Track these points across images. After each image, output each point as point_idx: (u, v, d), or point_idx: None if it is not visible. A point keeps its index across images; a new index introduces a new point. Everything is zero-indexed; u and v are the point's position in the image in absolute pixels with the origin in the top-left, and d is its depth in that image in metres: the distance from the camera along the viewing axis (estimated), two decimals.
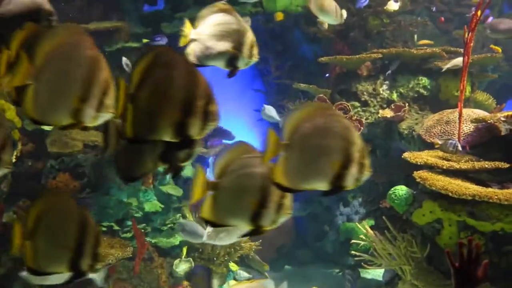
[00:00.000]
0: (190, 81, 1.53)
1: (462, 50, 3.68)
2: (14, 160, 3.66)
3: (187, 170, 4.20)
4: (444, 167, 3.09)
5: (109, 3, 4.60)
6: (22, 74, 1.47)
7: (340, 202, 5.31)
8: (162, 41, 4.45)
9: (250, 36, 1.92)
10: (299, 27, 5.30)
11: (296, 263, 5.38)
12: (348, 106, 4.38)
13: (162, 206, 4.02)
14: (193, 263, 4.04)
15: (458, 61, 4.02)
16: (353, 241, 3.91)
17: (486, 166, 3.05)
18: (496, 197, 2.71)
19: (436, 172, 3.14)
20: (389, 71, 4.53)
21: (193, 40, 1.90)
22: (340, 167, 1.51)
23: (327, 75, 5.17)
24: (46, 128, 3.97)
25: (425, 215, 3.12)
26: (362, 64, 4.65)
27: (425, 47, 4.65)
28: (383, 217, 3.43)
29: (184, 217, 4.28)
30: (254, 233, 1.66)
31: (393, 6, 4.71)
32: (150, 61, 1.53)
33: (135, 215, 3.88)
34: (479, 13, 3.41)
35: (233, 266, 4.31)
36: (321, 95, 4.50)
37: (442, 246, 3.09)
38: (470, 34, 3.46)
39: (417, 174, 3.11)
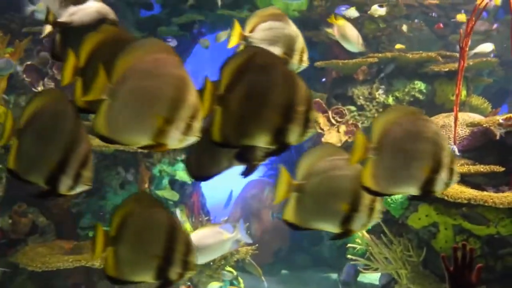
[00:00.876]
0: (291, 85, 1.43)
1: (457, 54, 3.71)
2: None
3: (183, 174, 4.20)
4: None
5: None
6: (98, 89, 1.34)
7: None
8: (172, 43, 4.48)
9: (301, 42, 1.91)
10: None
11: (293, 267, 5.38)
12: (344, 110, 4.39)
13: None
14: None
15: (485, 46, 4.12)
16: (349, 245, 3.91)
17: (482, 170, 3.06)
18: (491, 200, 2.72)
19: None
20: (383, 74, 4.55)
21: (243, 42, 1.88)
22: (430, 172, 1.50)
23: (323, 79, 5.19)
24: None
25: (421, 219, 3.12)
26: (358, 68, 4.66)
27: (420, 52, 4.67)
28: (379, 221, 3.43)
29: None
30: (342, 236, 1.61)
31: (378, 11, 4.72)
32: (244, 62, 1.43)
33: None
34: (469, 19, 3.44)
35: (229, 270, 4.30)
36: (317, 99, 4.51)
37: (438, 249, 3.09)
38: (465, 39, 3.49)
39: None
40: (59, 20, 1.74)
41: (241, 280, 4.37)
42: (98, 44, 1.50)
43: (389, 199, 3.33)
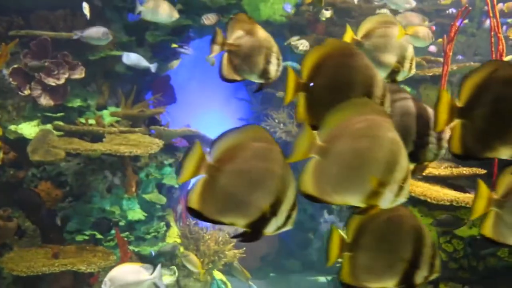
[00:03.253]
0: None
1: (442, 59, 3.76)
2: None
3: (170, 179, 4.20)
4: (424, 174, 3.14)
5: (93, 11, 4.60)
6: (306, 147, 1.32)
7: (325, 210, 5.34)
8: (188, 51, 4.53)
9: (411, 50, 1.93)
10: (283, 37, 5.36)
11: (281, 271, 5.39)
12: None
13: (146, 214, 4.01)
14: (177, 271, 4.02)
15: None
16: None
17: (464, 172, 3.10)
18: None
19: (416, 179, 3.19)
20: None
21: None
22: None
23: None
24: (28, 136, 3.95)
25: None
26: None
27: None
28: None
29: (168, 225, 4.28)
30: None
31: (325, 14, 4.78)
32: (487, 75, 1.42)
33: (118, 223, 3.87)
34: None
35: (216, 274, 4.30)
36: None
37: None
38: (449, 44, 3.54)
39: None
40: (228, 42, 1.80)
41: (228, 284, 4.38)
42: (323, 58, 1.49)
43: None
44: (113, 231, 3.83)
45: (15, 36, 4.11)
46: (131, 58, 3.96)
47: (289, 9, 4.91)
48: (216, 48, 1.81)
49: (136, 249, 3.94)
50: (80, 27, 4.46)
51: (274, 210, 1.34)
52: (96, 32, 3.88)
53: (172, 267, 3.99)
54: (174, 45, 4.65)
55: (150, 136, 4.09)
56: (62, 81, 4.15)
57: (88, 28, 3.93)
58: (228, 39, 1.82)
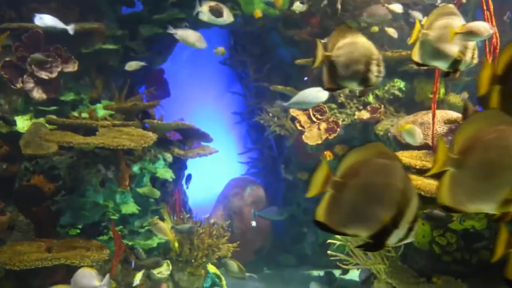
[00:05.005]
0: None
1: None
2: None
3: (164, 172, 4.19)
4: (417, 167, 3.14)
5: (86, 4, 4.58)
6: (442, 160, 1.41)
7: None
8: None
9: (473, 41, 2.01)
10: (277, 30, 5.34)
11: (275, 265, 5.39)
12: (325, 108, 4.42)
13: (139, 208, 3.99)
14: (170, 265, 4.02)
15: None
16: (329, 240, 3.94)
17: None
18: None
19: (410, 172, 3.19)
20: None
21: (419, 39, 2.00)
22: None
23: (305, 78, 5.21)
24: (21, 130, 3.93)
25: None
26: None
27: (400, 50, 4.72)
28: None
29: (162, 219, 4.26)
30: None
31: (299, 7, 4.76)
32: None
33: (112, 217, 3.85)
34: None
35: (211, 267, 4.30)
36: None
37: (415, 244, 3.14)
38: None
39: None
40: (326, 53, 1.92)
41: (222, 278, 4.38)
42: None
43: None
44: (107, 226, 3.82)
45: (7, 29, 4.07)
46: (45, 20, 3.76)
47: None
48: (318, 60, 1.92)
49: (130, 243, 3.93)
50: (73, 20, 4.42)
51: (395, 222, 1.40)
52: (194, 36, 3.88)
53: (166, 260, 3.98)
54: None
55: (143, 130, 4.07)
56: (55, 74, 4.12)
57: (185, 28, 3.96)
58: (329, 50, 1.91)
